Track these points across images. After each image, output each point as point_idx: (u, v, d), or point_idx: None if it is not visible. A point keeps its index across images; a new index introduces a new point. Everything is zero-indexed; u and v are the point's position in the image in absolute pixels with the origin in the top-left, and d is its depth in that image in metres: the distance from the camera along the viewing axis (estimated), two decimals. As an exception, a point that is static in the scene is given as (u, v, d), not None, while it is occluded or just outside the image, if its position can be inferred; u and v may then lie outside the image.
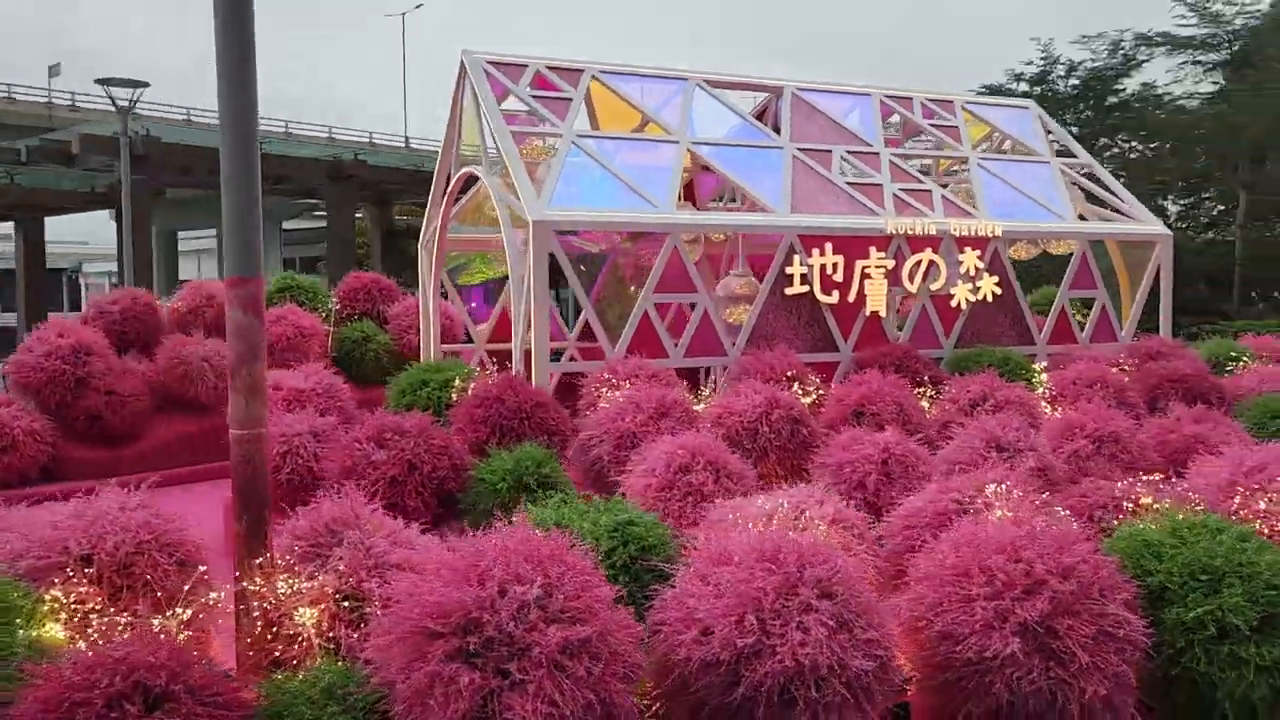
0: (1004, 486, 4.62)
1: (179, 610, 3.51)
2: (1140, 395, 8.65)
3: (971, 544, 3.88)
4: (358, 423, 6.99)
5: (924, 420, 7.85)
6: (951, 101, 12.24)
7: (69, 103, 46.74)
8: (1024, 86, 28.18)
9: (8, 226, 39.65)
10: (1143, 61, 27.84)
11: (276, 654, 3.71)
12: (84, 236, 54.22)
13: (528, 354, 8.68)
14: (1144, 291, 11.05)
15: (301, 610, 3.63)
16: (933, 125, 11.64)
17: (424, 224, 11.62)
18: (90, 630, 3.67)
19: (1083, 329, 10.82)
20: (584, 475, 7.07)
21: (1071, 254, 10.98)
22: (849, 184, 10.06)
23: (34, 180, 24.45)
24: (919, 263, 9.82)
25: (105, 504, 4.14)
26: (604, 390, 7.82)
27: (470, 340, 12.73)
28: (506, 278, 12.99)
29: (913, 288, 9.83)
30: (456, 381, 7.99)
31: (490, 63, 9.92)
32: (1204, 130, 24.46)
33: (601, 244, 11.63)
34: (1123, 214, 11.51)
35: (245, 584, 3.69)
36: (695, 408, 7.58)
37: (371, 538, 3.88)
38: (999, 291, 10.23)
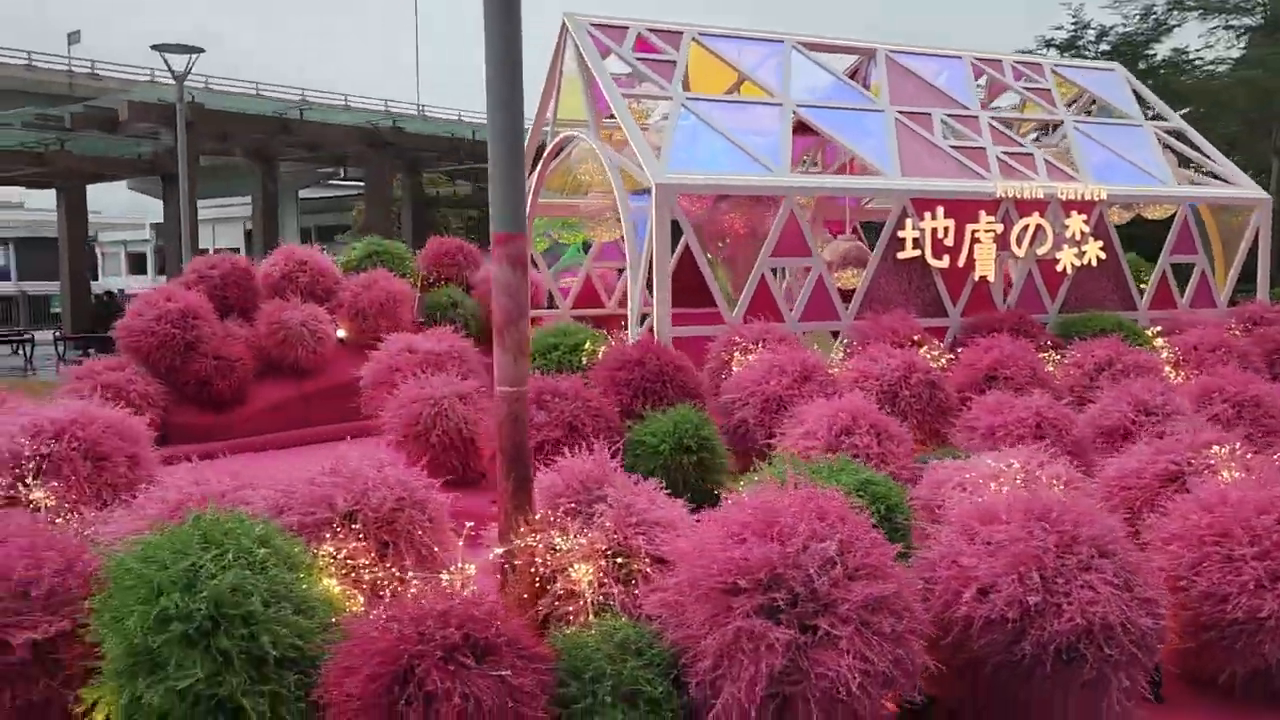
0: (1231, 448, 4.62)
1: (463, 565, 3.54)
2: (1261, 359, 8.64)
3: (1226, 504, 3.89)
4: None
5: (1055, 385, 7.85)
6: (1040, 64, 12.13)
7: (88, 70, 46.55)
8: (1053, 53, 27.91)
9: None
10: (1174, 26, 27.50)
11: (543, 610, 3.74)
12: (96, 206, 54.20)
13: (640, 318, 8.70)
14: (1242, 255, 10.99)
15: (576, 566, 3.67)
16: (1025, 88, 11.54)
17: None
18: (363, 585, 3.73)
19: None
20: (727, 438, 7.09)
21: (1166, 218, 10.93)
22: (953, 147, 10.00)
23: (83, 147, 24.40)
24: (1026, 227, 9.78)
25: (355, 461, 4.17)
26: (735, 354, 7.83)
27: (553, 306, 12.77)
28: (587, 244, 13.03)
29: (1020, 252, 9.79)
30: (587, 345, 8.00)
31: (594, 24, 9.85)
32: (1236, 95, 24.18)
33: (696, 209, 11.59)
34: (1217, 177, 11.43)
35: (516, 541, 3.73)
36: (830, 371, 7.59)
37: (630, 495, 3.91)
38: (1103, 256, 10.19)
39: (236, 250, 50.55)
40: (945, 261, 9.44)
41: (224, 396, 10.00)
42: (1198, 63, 27.10)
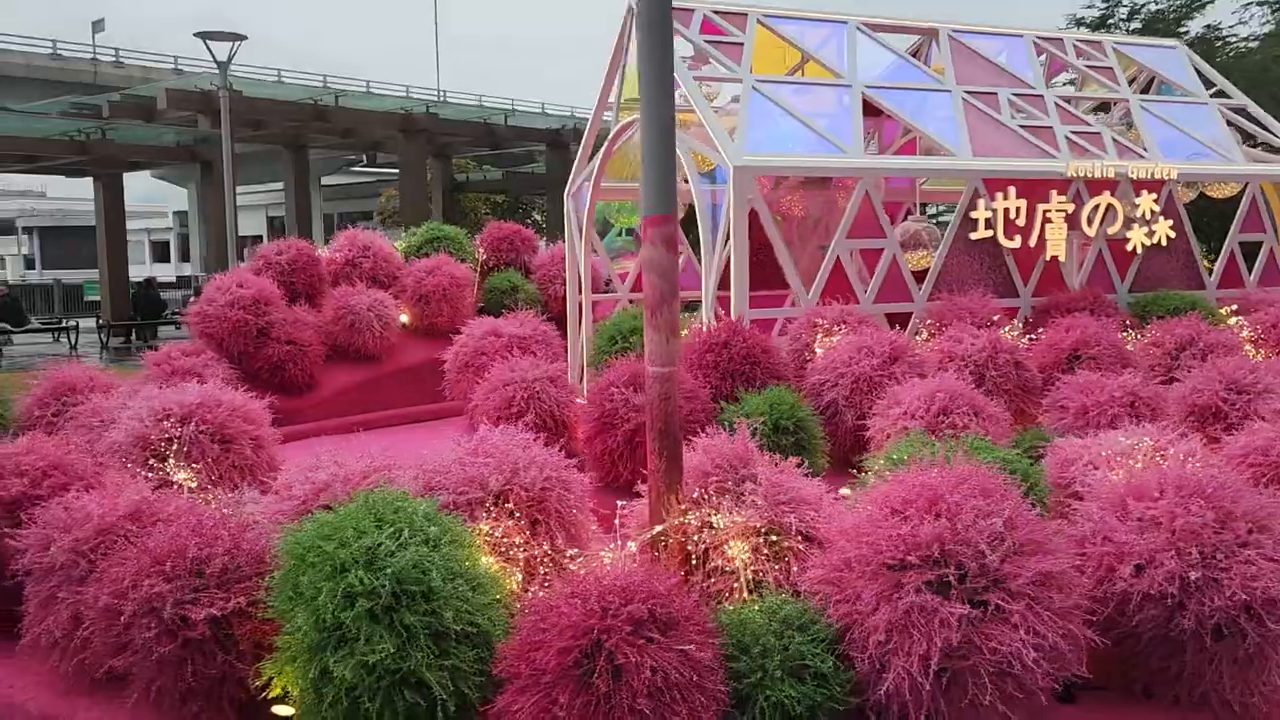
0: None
1: (626, 543, 3.60)
2: (1343, 338, 8.58)
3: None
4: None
5: (1139, 363, 7.84)
6: (1101, 42, 12.03)
7: (113, 59, 46.81)
8: (1084, 32, 27.65)
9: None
10: (1206, 3, 27.20)
11: (696, 587, 3.80)
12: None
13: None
14: (1311, 234, 10.91)
15: (731, 544, 3.72)
16: (1087, 66, 11.45)
17: (571, 174, 11.61)
18: (518, 562, 3.79)
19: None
20: (816, 419, 7.11)
21: (1231, 197, 10.86)
22: (1022, 126, 9.95)
23: (125, 136, 24.58)
24: (1097, 206, 9.73)
25: (497, 440, 4.24)
26: (818, 336, 7.86)
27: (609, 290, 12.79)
28: (630, 229, 13.05)
29: (1090, 231, 9.75)
30: (668, 328, 8.03)
31: (660, 8, 9.82)
32: (1271, 72, 23.88)
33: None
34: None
35: (670, 519, 3.78)
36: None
37: (777, 474, 3.96)
38: (1173, 235, 10.13)
39: (259, 239, 50.83)
40: (1017, 242, 9.41)
41: (296, 381, 10.12)
42: (1231, 39, 26.84)
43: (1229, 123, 11.42)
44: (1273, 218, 11.32)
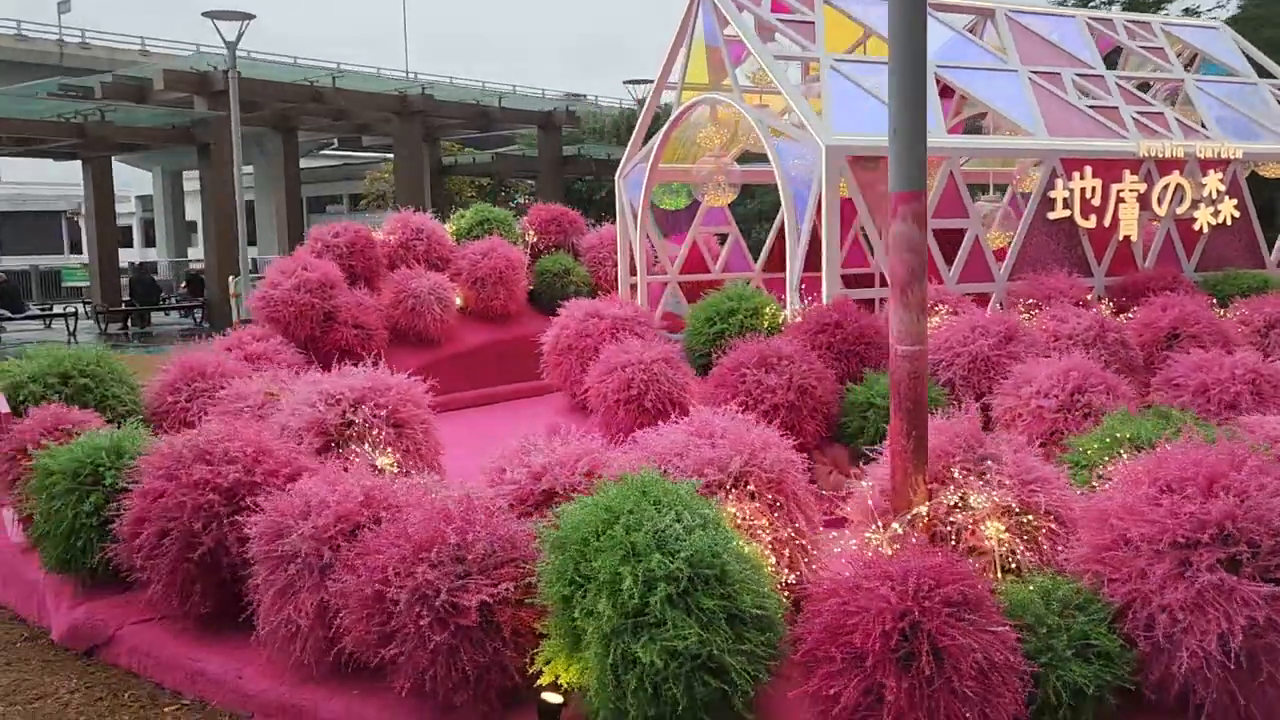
0: None
1: (892, 526, 3.57)
2: None
3: None
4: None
5: (1239, 341, 7.91)
6: (1150, 23, 12.11)
7: (79, 39, 45.82)
8: (1067, 10, 27.88)
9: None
10: None
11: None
12: (69, 178, 53.55)
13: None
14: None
15: (988, 524, 3.70)
16: (1139, 47, 11.53)
17: (624, 157, 11.51)
18: (764, 545, 3.75)
19: None
20: (930, 399, 7.11)
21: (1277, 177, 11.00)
22: (1090, 107, 9.99)
23: (125, 118, 24.01)
24: (1167, 186, 9.81)
25: (720, 422, 4.19)
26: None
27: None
28: (684, 208, 12.99)
29: (1161, 211, 9.83)
30: (768, 309, 8.00)
31: (731, -15, 9.75)
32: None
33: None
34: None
35: (915, 499, 3.75)
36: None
37: (1018, 454, 3.95)
38: (1237, 215, 10.24)
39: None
40: (1092, 221, 9.47)
41: (361, 365, 9.96)
42: (1205, 15, 27.22)
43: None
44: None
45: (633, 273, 11.74)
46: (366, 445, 4.71)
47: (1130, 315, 8.36)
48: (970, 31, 11.56)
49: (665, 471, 4.01)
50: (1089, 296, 9.24)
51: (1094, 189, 9.40)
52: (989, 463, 3.89)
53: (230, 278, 22.46)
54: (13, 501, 5.17)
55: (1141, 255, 9.87)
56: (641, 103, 31.03)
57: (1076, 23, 11.49)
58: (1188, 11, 27.51)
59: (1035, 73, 10.18)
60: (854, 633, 3.10)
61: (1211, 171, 10.02)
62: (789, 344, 6.71)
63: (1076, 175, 9.33)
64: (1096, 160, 9.40)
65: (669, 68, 10.64)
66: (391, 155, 49.44)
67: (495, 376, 11.16)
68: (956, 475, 3.85)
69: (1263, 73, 12.12)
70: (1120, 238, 9.64)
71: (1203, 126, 10.48)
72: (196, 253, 55.48)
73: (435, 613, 3.44)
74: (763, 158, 13.19)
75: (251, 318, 10.15)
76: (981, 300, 8.94)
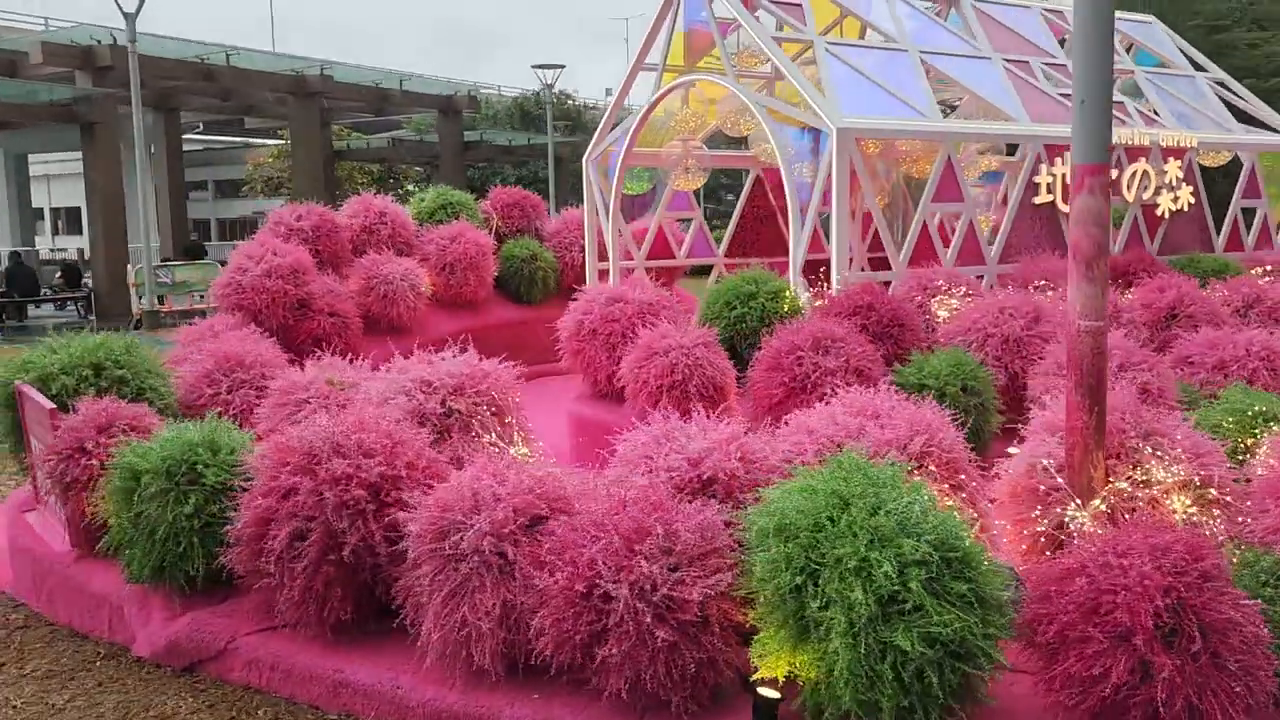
0: None
1: (1094, 503, 3.53)
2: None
3: None
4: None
5: (1229, 321, 8.24)
6: (1094, 16, 12.54)
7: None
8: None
9: None
10: None
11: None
12: None
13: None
14: (1296, 200, 11.75)
15: (1174, 497, 3.71)
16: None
17: (593, 141, 11.27)
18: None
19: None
20: (962, 380, 7.17)
21: (1221, 165, 11.56)
22: (1061, 94, 10.27)
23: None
24: (1134, 173, 10.18)
25: (880, 400, 4.08)
26: (941, 299, 7.93)
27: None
28: (645, 193, 12.84)
29: (1129, 197, 10.19)
30: (786, 292, 7.93)
31: (717, -34, 9.64)
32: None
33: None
34: (1263, 124, 12.11)
35: (1095, 473, 3.73)
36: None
37: (1187, 429, 3.97)
38: (1193, 201, 10.71)
39: (77, 209, 47.10)
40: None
41: (340, 356, 9.48)
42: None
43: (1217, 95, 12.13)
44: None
45: (600, 258, 11.53)
46: (490, 434, 4.41)
47: (1126, 297, 8.61)
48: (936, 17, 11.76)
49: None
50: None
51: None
52: (1154, 438, 3.90)
53: (130, 267, 21.17)
54: (66, 506, 4.66)
55: (1111, 240, 10.21)
56: (551, 88, 30.65)
57: (1034, 13, 11.81)
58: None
59: (1008, 60, 10.41)
60: (1115, 610, 3.03)
61: (1171, 159, 10.45)
62: (841, 326, 6.65)
63: (1059, 161, 9.57)
64: (1075, 146, 9.66)
65: (648, 48, 10.44)
66: (266, 140, 47.69)
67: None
68: (1139, 447, 3.84)
69: (1195, 65, 12.71)
70: (1094, 222, 9.94)
71: (1157, 116, 10.91)
72: (44, 241, 51.95)
73: (655, 608, 3.23)
74: (730, 142, 13.19)
75: (214, 306, 9.55)
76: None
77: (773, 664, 3.31)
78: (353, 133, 41.09)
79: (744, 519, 3.51)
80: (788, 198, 8.80)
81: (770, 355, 6.56)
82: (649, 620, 3.21)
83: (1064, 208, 9.68)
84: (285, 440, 3.92)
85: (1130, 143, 10.06)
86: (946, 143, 8.94)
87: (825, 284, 8.54)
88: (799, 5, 9.77)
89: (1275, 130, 12.00)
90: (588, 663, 3.34)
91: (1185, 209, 10.66)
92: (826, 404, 6.11)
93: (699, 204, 12.50)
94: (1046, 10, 11.96)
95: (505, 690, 3.54)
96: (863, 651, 3.06)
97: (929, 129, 8.93)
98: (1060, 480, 3.77)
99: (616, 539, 3.32)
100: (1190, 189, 10.67)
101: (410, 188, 51.92)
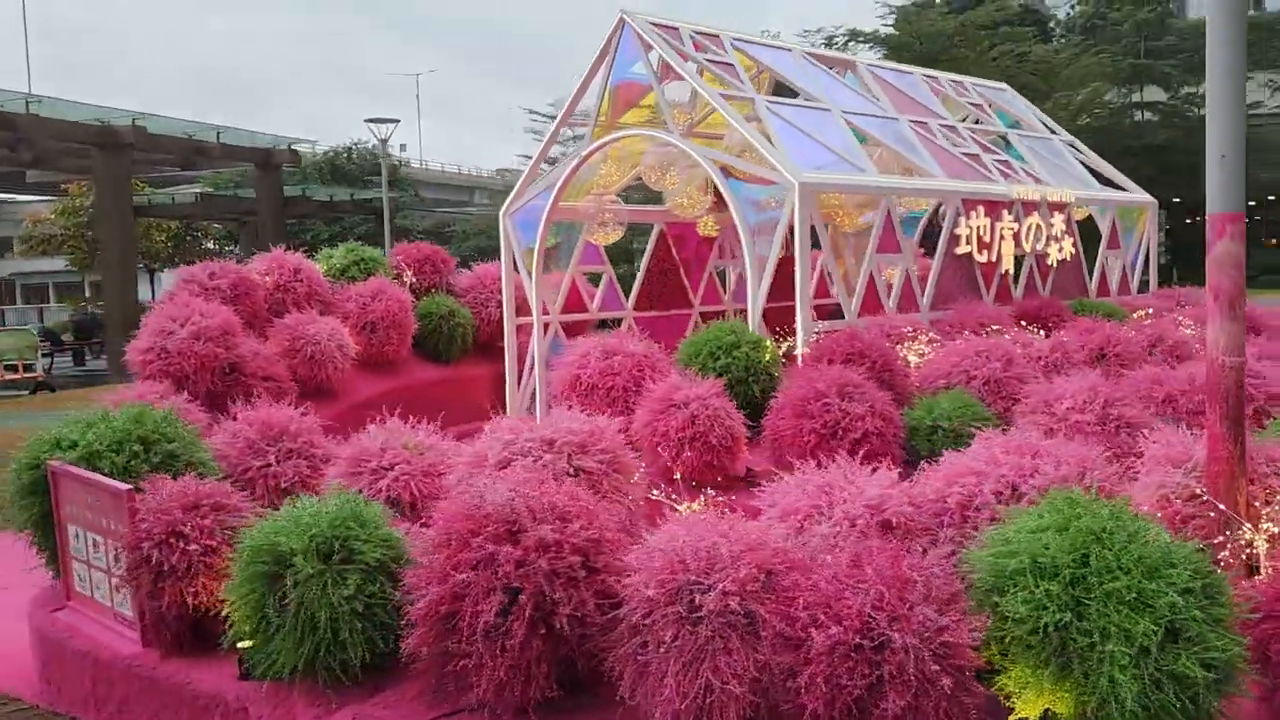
0: None
1: (1266, 526, 3.78)
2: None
3: None
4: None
5: (1152, 361, 9.01)
6: (963, 82, 13.59)
7: None
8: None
9: None
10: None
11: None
12: None
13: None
14: (1152, 250, 13.04)
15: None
16: (970, 104, 12.90)
17: (513, 194, 11.15)
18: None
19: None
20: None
21: (1083, 219, 12.73)
22: (964, 154, 11.04)
23: None
24: (1030, 225, 11.02)
25: (1036, 439, 4.20)
26: (908, 344, 8.27)
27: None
28: (553, 247, 12.76)
29: (1027, 247, 11.01)
30: (767, 342, 8.05)
31: (654, 25, 9.82)
32: None
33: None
34: (1112, 183, 13.42)
35: (1246, 509, 4.00)
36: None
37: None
38: (1074, 251, 11.69)
39: None
40: (985, 256, 10.43)
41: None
42: None
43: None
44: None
45: (518, 313, 11.36)
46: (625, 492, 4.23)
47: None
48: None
49: (1019, 493, 3.99)
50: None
51: (985, 227, 10.37)
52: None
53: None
54: (142, 599, 4.08)
55: (1013, 287, 11.00)
56: (385, 142, 29.93)
57: (915, 78, 12.65)
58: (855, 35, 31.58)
59: (912, 121, 11.09)
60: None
61: (1056, 213, 11.39)
62: (854, 373, 6.82)
63: (974, 214, 10.25)
64: (986, 201, 10.39)
65: (576, 101, 10.47)
66: (36, 197, 44.27)
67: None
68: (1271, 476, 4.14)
69: (1047, 128, 13.95)
70: (1003, 271, 10.69)
71: (1037, 173, 11.89)
72: None
73: (934, 656, 3.20)
74: (644, 197, 13.33)
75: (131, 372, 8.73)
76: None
77: (1029, 701, 3.35)
78: (149, 188, 38.71)
79: (972, 560, 3.54)
80: (745, 251, 8.97)
81: (796, 402, 6.64)
82: (935, 668, 3.18)
83: (979, 258, 10.36)
84: (464, 508, 3.63)
85: (1026, 198, 10.90)
86: (887, 198, 9.40)
87: (785, 334, 8.76)
88: (731, 64, 10.08)
89: (1123, 188, 13.31)
90: (862, 718, 3.26)
91: (1068, 259, 11.62)
92: (872, 446, 6.32)
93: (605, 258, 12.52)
94: (926, 75, 12.85)
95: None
96: (1147, 682, 3.14)
97: (874, 184, 9.37)
98: (1222, 507, 4.03)
99: (883, 589, 3.27)
100: (1071, 240, 11.64)
101: (210, 246, 49.28)
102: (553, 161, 12.82)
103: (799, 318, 8.56)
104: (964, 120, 12.92)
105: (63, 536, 4.62)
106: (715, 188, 11.97)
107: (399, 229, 32.70)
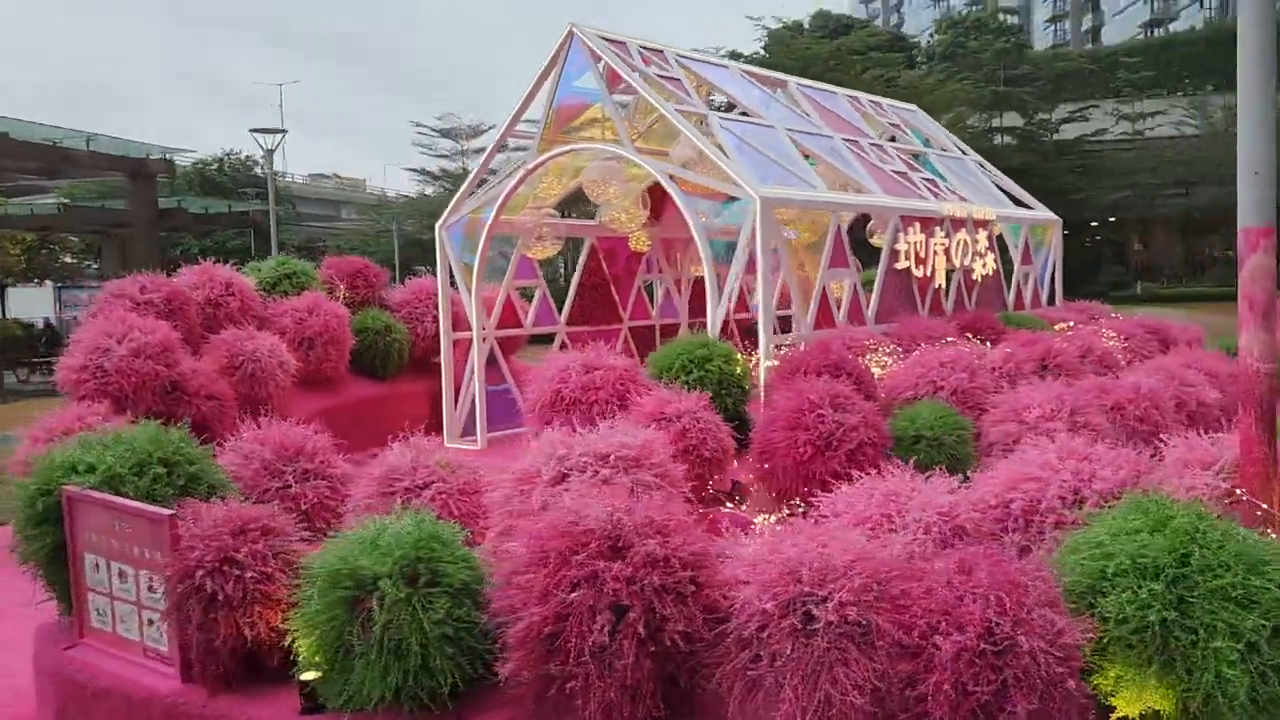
0: None
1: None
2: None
3: None
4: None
5: (1084, 370, 9.45)
6: (880, 102, 14.02)
7: None
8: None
9: None
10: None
11: None
12: None
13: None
14: (1057, 265, 13.68)
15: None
16: (889, 124, 13.32)
17: (450, 207, 10.92)
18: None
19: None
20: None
21: (997, 236, 13.30)
22: (894, 172, 11.37)
23: None
24: (958, 242, 11.43)
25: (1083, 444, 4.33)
26: (871, 356, 8.44)
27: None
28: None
29: (956, 263, 11.41)
30: (737, 355, 8.08)
31: (603, 38, 9.80)
32: None
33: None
34: (1020, 201, 14.06)
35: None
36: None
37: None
38: (995, 267, 12.18)
39: None
40: (921, 271, 10.76)
41: (220, 443, 8.40)
42: None
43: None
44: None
45: (454, 328, 11.11)
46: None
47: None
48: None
49: (1081, 497, 4.11)
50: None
51: (921, 243, 10.71)
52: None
53: None
54: (185, 632, 3.77)
55: (944, 300, 11.37)
56: (271, 154, 28.93)
57: (840, 97, 12.99)
58: (735, 57, 32.02)
59: (844, 139, 11.38)
60: None
61: (980, 230, 11.85)
62: (841, 385, 6.91)
63: (910, 230, 10.56)
64: (921, 217, 10.73)
65: (520, 113, 10.34)
66: None
67: (342, 448, 9.94)
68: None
69: (958, 148, 14.52)
70: (936, 285, 11.05)
71: (959, 191, 12.36)
72: None
73: (1058, 658, 3.26)
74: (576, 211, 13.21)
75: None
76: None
77: (1130, 700, 3.44)
78: (3, 197, 36.38)
79: (1065, 563, 3.63)
80: (704, 264, 9.00)
81: (788, 414, 6.68)
82: (1060, 670, 3.24)
83: (916, 272, 10.68)
84: (559, 525, 3.50)
85: (955, 215, 11.31)
86: (837, 213, 9.60)
87: (746, 346, 8.84)
88: (678, 79, 10.13)
89: (1031, 207, 13.95)
90: (987, 724, 3.29)
91: (990, 274, 12.09)
92: (866, 457, 6.41)
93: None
94: (850, 95, 13.20)
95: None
96: (1255, 676, 3.27)
97: (825, 200, 9.54)
98: (1265, 507, 4.24)
99: (1001, 594, 3.32)
100: (993, 255, 12.13)
101: (69, 260, 46.62)
102: (453, 175, 12.59)
103: (761, 332, 8.63)
104: (883, 138, 13.32)
105: (78, 568, 4.24)
106: (650, 203, 12.05)
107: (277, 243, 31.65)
